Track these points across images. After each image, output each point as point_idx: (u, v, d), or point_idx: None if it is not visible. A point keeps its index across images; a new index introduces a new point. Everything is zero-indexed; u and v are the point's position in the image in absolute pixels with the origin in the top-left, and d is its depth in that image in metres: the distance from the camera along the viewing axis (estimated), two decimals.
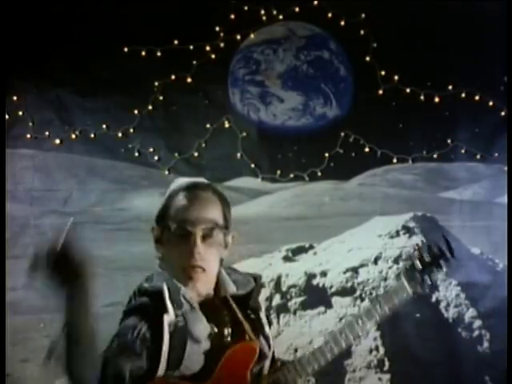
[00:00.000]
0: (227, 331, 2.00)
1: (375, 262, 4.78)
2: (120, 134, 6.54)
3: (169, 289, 1.92)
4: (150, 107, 6.51)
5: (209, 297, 2.03)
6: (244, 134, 6.60)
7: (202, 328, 1.95)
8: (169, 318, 1.87)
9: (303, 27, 6.86)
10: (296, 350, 4.48)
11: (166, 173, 6.56)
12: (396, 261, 4.75)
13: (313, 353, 2.07)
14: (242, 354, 1.97)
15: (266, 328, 2.12)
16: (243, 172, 6.73)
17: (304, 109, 6.65)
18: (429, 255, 2.17)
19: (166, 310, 1.87)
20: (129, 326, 1.85)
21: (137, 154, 6.56)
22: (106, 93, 6.50)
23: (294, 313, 4.68)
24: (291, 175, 6.63)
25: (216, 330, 1.98)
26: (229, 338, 2.00)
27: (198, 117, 6.59)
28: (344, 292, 4.64)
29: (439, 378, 4.31)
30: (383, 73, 6.38)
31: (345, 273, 4.73)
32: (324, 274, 4.77)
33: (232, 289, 2.09)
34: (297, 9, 6.58)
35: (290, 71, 6.91)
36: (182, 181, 2.04)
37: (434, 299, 4.59)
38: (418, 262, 2.16)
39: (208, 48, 6.48)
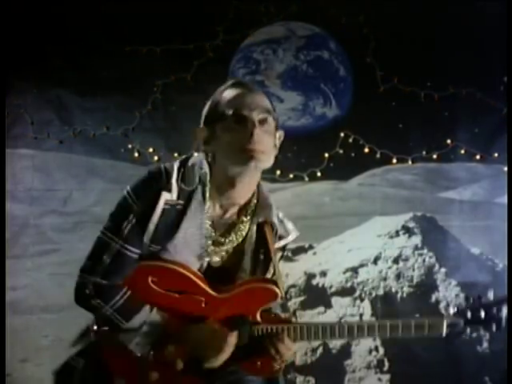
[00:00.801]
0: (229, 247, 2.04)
1: (375, 261, 4.78)
2: (120, 134, 6.54)
3: (184, 171, 1.96)
4: (150, 107, 6.50)
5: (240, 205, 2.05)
6: None
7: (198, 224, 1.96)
8: (168, 196, 1.92)
9: (303, 27, 6.86)
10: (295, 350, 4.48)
11: None
12: (396, 261, 4.75)
13: (317, 326, 2.06)
14: (261, 293, 1.99)
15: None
16: None
17: (304, 109, 6.64)
18: (476, 315, 2.16)
19: (167, 189, 1.92)
20: (120, 201, 1.94)
21: (137, 154, 6.56)
22: (106, 93, 6.49)
23: (294, 313, 4.67)
24: (291, 175, 6.63)
25: (222, 239, 2.02)
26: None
27: (198, 117, 6.58)
28: (344, 292, 4.64)
29: (439, 378, 4.31)
30: (383, 73, 6.37)
31: (344, 273, 4.73)
32: (324, 273, 4.77)
33: (271, 217, 2.11)
34: (296, 8, 6.58)
35: (289, 71, 6.91)
36: (227, 83, 2.08)
37: (433, 299, 4.59)
38: (463, 318, 2.16)
39: (208, 48, 6.47)
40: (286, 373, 4.44)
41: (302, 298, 4.70)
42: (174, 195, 1.93)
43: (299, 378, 4.41)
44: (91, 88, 6.52)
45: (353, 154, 6.58)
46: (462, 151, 6.46)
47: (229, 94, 2.01)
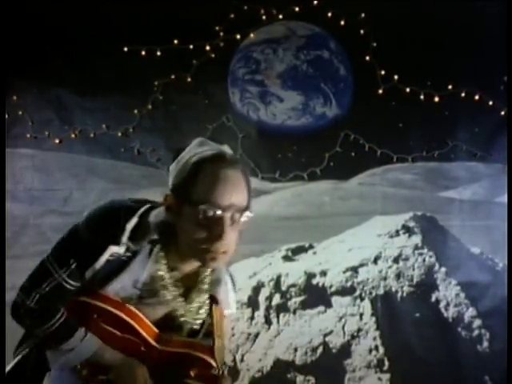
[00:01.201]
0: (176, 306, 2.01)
1: (375, 261, 4.78)
2: (120, 134, 6.54)
3: (141, 225, 1.89)
4: (150, 107, 6.51)
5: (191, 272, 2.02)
6: (244, 133, 6.61)
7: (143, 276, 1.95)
8: (115, 249, 1.87)
9: (303, 27, 6.87)
10: (296, 350, 4.48)
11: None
12: (396, 260, 4.75)
13: None
14: (197, 361, 2.00)
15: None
16: None
17: (304, 108, 6.65)
18: None
19: (116, 242, 1.86)
20: (71, 230, 1.90)
21: (137, 154, 6.57)
22: (106, 92, 6.51)
23: (294, 312, 4.68)
24: (291, 175, 6.63)
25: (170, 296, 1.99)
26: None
27: (198, 116, 6.59)
28: (344, 291, 4.64)
29: (439, 377, 4.31)
30: (383, 72, 6.38)
31: (344, 272, 4.73)
32: (324, 273, 4.77)
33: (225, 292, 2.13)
34: (297, 8, 6.58)
35: (289, 71, 6.92)
36: (206, 148, 1.88)
37: (433, 299, 4.59)
38: None
39: (208, 47, 6.48)
40: (287, 372, 4.45)
41: (302, 298, 4.70)
42: (122, 250, 1.88)
43: (299, 378, 4.42)
44: (91, 88, 6.53)
45: (353, 154, 6.59)
46: (462, 151, 6.46)
47: (205, 178, 1.82)
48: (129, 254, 1.90)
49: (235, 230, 1.86)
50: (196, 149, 1.88)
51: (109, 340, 1.94)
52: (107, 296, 1.91)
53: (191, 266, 1.99)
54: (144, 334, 1.94)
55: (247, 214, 1.88)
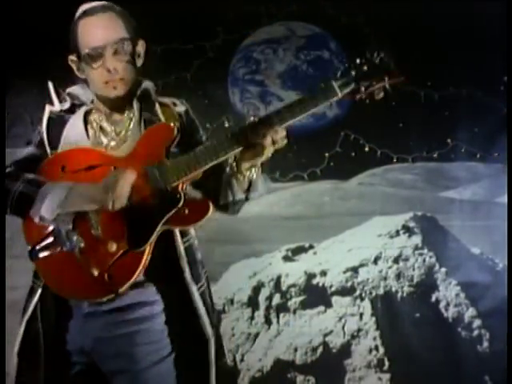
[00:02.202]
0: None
1: (375, 261, 4.78)
2: None
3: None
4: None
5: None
6: None
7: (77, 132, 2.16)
8: (52, 108, 2.25)
9: (303, 27, 6.86)
10: (296, 350, 4.48)
11: None
12: (396, 260, 4.75)
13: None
14: (159, 132, 2.09)
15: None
16: None
17: None
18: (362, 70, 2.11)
19: (50, 102, 2.28)
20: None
21: None
22: None
23: (294, 312, 4.68)
24: (291, 175, 6.63)
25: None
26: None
27: (198, 116, 6.59)
28: (344, 291, 4.64)
29: (439, 377, 4.31)
30: None
31: (345, 272, 4.73)
32: (324, 273, 4.77)
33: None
34: (296, 8, 6.58)
35: (289, 71, 6.91)
36: (83, 7, 2.23)
37: (433, 299, 4.59)
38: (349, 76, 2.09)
39: (208, 47, 6.48)
40: (287, 372, 4.44)
41: (302, 298, 4.69)
42: (57, 107, 2.23)
43: (299, 378, 4.41)
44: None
45: (353, 154, 6.59)
46: (463, 151, 6.46)
47: (81, 30, 2.14)
48: (65, 110, 2.22)
49: (123, 60, 2.10)
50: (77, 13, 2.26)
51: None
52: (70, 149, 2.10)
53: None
54: (109, 154, 2.06)
55: (140, 43, 2.19)
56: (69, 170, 2.03)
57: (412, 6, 6.00)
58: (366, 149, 6.39)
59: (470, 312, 4.51)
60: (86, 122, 2.17)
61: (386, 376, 4.30)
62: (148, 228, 1.93)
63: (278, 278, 4.82)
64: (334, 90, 2.06)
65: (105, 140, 2.14)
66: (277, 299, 4.75)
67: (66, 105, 2.23)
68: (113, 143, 2.13)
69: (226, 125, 6.60)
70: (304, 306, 4.68)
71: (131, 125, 2.17)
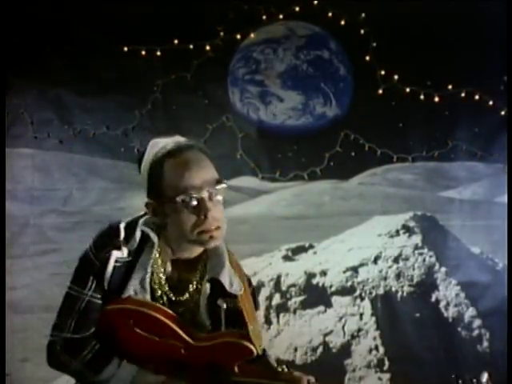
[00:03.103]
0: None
1: (375, 261, 4.79)
2: (120, 134, 6.54)
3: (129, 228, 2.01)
4: (150, 106, 6.51)
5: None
6: (244, 133, 6.60)
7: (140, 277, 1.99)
8: (119, 254, 1.97)
9: (303, 26, 6.86)
10: (296, 350, 4.48)
11: None
12: (396, 260, 4.75)
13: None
14: (236, 348, 1.97)
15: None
16: (243, 171, 6.72)
17: (304, 108, 6.64)
18: None
19: (118, 247, 1.97)
20: (81, 257, 2.03)
21: (137, 154, 6.56)
22: (106, 92, 6.50)
23: (294, 312, 4.68)
24: (291, 174, 6.62)
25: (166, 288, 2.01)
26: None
27: (198, 116, 6.59)
28: (344, 291, 4.65)
29: (439, 377, 4.31)
30: (383, 72, 6.37)
31: (345, 272, 4.73)
32: (324, 273, 4.77)
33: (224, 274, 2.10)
34: (297, 8, 6.57)
35: (289, 70, 6.91)
36: (161, 145, 2.00)
37: (433, 298, 4.59)
38: None
39: (208, 47, 6.47)
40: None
41: (302, 298, 4.70)
42: (125, 253, 1.97)
43: None
44: (91, 88, 6.52)
45: (353, 154, 6.57)
46: (462, 150, 6.45)
47: (170, 170, 1.91)
48: (131, 258, 1.98)
49: (217, 204, 1.93)
50: (152, 150, 2.01)
51: (148, 348, 1.92)
52: (135, 298, 1.94)
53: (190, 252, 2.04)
54: (182, 333, 1.93)
55: (222, 185, 1.94)
56: (139, 328, 1.93)
57: (412, 6, 5.99)
58: (366, 149, 6.38)
59: (470, 312, 4.52)
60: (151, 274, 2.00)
61: (386, 376, 4.31)
62: None
63: (278, 278, 4.82)
64: None
65: (163, 296, 2.02)
66: (277, 299, 4.75)
67: (134, 245, 2.01)
68: (171, 296, 2.01)
69: (226, 125, 6.60)
70: (304, 305, 4.68)
71: (197, 287, 2.04)
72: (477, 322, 4.50)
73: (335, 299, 4.65)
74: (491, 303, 4.53)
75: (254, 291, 2.21)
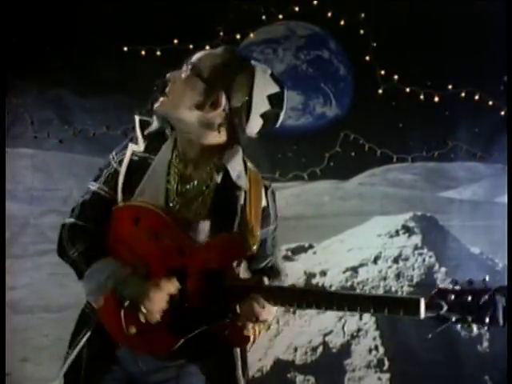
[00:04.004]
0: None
1: (375, 261, 4.78)
2: (120, 133, 6.55)
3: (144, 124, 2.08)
4: (150, 107, 6.51)
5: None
6: None
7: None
8: (135, 147, 2.04)
9: (303, 27, 6.87)
10: (296, 349, 4.48)
11: None
12: (395, 260, 4.75)
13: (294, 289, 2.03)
14: (234, 245, 1.97)
15: None
16: None
17: (304, 108, 6.65)
18: (462, 299, 1.74)
19: (134, 141, 2.04)
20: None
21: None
22: (106, 92, 6.51)
23: (294, 312, 4.68)
24: (291, 175, 6.63)
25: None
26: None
27: None
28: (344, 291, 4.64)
29: (439, 377, 4.31)
30: (383, 72, 6.38)
31: (344, 272, 4.73)
32: (324, 273, 4.77)
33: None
34: (296, 8, 6.58)
35: (289, 70, 6.92)
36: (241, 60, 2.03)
37: None
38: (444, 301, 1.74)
39: (208, 47, 6.48)
40: (287, 372, 4.44)
41: None
42: (142, 147, 2.03)
43: (299, 378, 4.42)
44: (91, 88, 6.53)
45: (353, 154, 6.58)
46: (462, 151, 6.46)
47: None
48: (150, 155, 2.02)
49: None
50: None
51: (145, 249, 1.94)
52: (144, 200, 1.97)
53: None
54: (180, 232, 1.94)
55: None
56: (142, 226, 1.95)
57: (412, 6, 6.01)
58: (366, 149, 6.39)
59: None
60: (168, 171, 2.02)
61: (386, 376, 4.30)
62: (190, 326, 1.93)
63: None
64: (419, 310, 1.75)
65: (179, 199, 2.01)
66: None
67: (154, 125, 2.08)
68: (185, 196, 2.02)
69: None
70: None
71: (210, 185, 2.03)
72: None
73: None
74: None
75: (274, 204, 2.15)
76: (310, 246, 5.34)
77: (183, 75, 2.00)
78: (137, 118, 2.09)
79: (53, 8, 6.08)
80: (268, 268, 2.13)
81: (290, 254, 5.22)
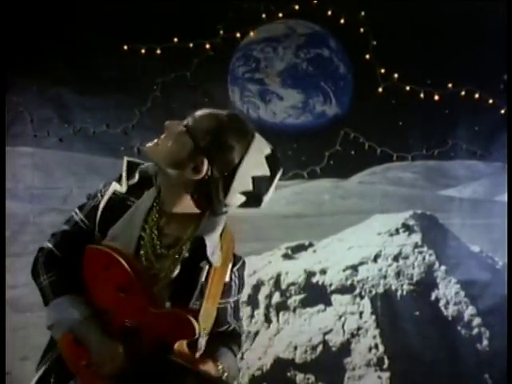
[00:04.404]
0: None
1: (375, 259, 4.78)
2: (120, 132, 6.55)
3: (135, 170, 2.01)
4: (150, 105, 6.51)
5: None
6: None
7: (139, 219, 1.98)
8: (118, 187, 1.99)
9: (303, 25, 6.87)
10: (295, 348, 4.48)
11: None
12: (395, 259, 4.75)
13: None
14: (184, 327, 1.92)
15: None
16: None
17: (303, 107, 6.64)
18: None
19: (118, 180, 2.00)
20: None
21: (136, 152, 6.57)
22: (106, 91, 6.52)
23: (294, 310, 4.68)
24: (291, 173, 6.64)
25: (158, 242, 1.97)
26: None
27: None
28: (343, 290, 4.64)
29: (439, 376, 4.31)
30: (383, 71, 6.38)
31: (344, 271, 4.73)
32: (323, 271, 4.77)
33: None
34: (296, 7, 6.58)
35: (289, 69, 6.92)
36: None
37: (433, 297, 4.59)
38: None
39: (208, 46, 6.48)
40: (287, 371, 4.44)
41: (301, 296, 4.70)
42: (124, 189, 1.99)
43: (299, 376, 4.42)
44: (91, 86, 6.54)
45: (353, 152, 6.58)
46: (462, 149, 6.46)
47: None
48: (131, 197, 1.98)
49: None
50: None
51: (108, 300, 1.93)
52: (116, 246, 1.93)
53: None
54: (143, 295, 1.91)
55: None
56: (110, 274, 1.92)
57: (412, 5, 6.01)
58: (366, 147, 6.39)
59: (470, 310, 4.52)
60: (145, 218, 1.97)
61: (386, 374, 4.30)
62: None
63: (278, 277, 4.82)
64: None
65: (148, 245, 1.98)
66: (276, 297, 4.75)
67: (134, 180, 2.01)
68: (157, 248, 1.98)
69: None
70: (304, 304, 4.68)
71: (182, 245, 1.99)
72: (476, 321, 4.49)
73: (335, 298, 4.65)
74: (491, 302, 4.53)
75: (241, 279, 2.14)
76: (310, 245, 5.34)
77: (179, 128, 1.90)
78: (125, 159, 2.03)
79: (53, 7, 6.08)
80: (228, 332, 2.10)
81: (289, 252, 5.22)
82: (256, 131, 1.90)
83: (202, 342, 1.98)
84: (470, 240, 5.23)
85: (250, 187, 1.87)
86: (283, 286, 4.76)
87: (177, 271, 1.97)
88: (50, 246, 2.02)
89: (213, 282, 1.98)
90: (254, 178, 1.86)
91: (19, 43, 6.11)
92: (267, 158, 1.87)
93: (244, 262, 2.06)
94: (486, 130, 6.20)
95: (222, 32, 6.52)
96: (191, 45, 6.45)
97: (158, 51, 6.47)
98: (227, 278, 2.03)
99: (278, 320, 4.69)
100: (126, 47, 6.40)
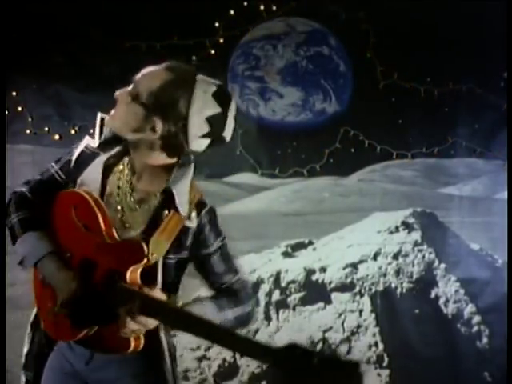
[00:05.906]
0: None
1: (374, 257, 4.78)
2: None
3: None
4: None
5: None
6: (243, 129, 6.60)
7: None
8: (91, 142, 2.08)
9: (303, 23, 6.86)
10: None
11: None
12: (395, 257, 4.75)
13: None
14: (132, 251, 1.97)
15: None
16: (243, 168, 6.73)
17: (303, 104, 6.64)
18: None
19: (92, 135, 2.09)
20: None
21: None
22: (106, 88, 6.51)
23: (294, 308, 4.68)
24: (290, 171, 6.63)
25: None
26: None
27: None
28: (343, 288, 4.64)
29: (438, 373, 4.31)
30: (383, 69, 6.37)
31: (344, 268, 4.73)
32: (323, 269, 4.77)
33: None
34: (296, 4, 6.57)
35: (289, 67, 6.91)
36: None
37: (433, 295, 4.59)
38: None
39: (208, 43, 6.47)
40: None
41: (301, 294, 4.70)
42: (96, 143, 2.07)
43: None
44: (91, 84, 6.52)
45: (353, 150, 6.59)
46: (462, 147, 6.46)
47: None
48: (101, 152, 2.06)
49: None
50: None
51: (72, 238, 2.02)
52: (85, 191, 2.02)
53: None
54: (104, 229, 1.98)
55: None
56: (77, 213, 2.01)
57: (412, 3, 6.00)
58: (366, 145, 6.39)
59: (470, 308, 4.52)
60: (108, 169, 2.06)
61: (386, 372, 4.31)
62: (89, 321, 1.96)
63: (278, 274, 4.82)
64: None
65: (116, 205, 2.05)
66: (276, 295, 4.75)
67: (106, 135, 2.09)
68: (129, 201, 2.05)
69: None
70: (303, 302, 4.68)
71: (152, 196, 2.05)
72: (476, 319, 4.49)
73: (335, 296, 4.65)
74: (491, 300, 4.53)
75: (213, 225, 2.07)
76: (310, 243, 5.34)
77: (127, 99, 1.97)
78: (99, 115, 2.10)
79: (53, 3, 6.07)
80: (223, 289, 2.06)
81: (289, 250, 5.22)
82: (197, 72, 1.94)
83: (159, 278, 2.01)
84: (470, 238, 5.23)
85: (207, 129, 1.90)
86: (283, 284, 4.76)
87: (141, 219, 2.03)
88: (23, 190, 2.11)
89: (171, 218, 2.02)
90: (207, 119, 1.90)
91: (19, 41, 6.11)
92: (214, 95, 1.90)
93: (212, 208, 2.07)
94: (485, 128, 6.20)
95: (221, 30, 6.51)
96: (191, 42, 6.45)
97: (158, 48, 6.47)
98: (193, 224, 2.04)
99: (277, 318, 4.69)
100: (126, 44, 6.40)
